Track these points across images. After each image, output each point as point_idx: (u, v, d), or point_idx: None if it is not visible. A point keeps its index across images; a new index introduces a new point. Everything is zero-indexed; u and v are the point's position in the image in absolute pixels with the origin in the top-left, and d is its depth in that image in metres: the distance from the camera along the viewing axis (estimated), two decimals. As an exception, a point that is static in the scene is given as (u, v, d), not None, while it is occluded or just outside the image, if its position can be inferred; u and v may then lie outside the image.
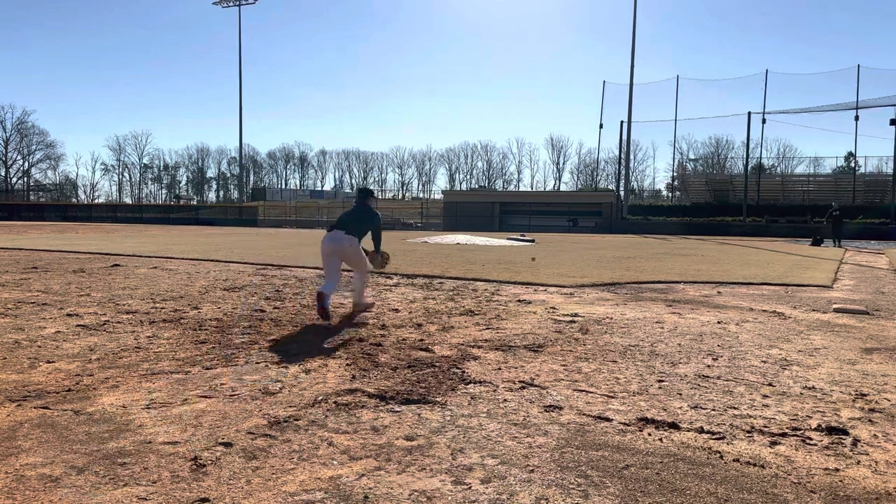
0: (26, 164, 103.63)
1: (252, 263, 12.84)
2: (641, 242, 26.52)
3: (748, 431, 3.33)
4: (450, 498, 2.51)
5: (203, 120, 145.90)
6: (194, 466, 2.75)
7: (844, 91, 62.75)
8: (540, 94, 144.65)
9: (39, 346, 5.04)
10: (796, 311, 7.53)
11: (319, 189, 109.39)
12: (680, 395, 3.99)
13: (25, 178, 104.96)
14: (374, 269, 7.47)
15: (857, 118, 45.23)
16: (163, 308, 7.02)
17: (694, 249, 21.04)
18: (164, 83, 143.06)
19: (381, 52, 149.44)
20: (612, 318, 6.77)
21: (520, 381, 4.22)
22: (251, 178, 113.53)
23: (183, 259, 13.76)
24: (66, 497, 2.46)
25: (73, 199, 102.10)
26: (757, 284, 10.38)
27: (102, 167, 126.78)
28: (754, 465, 2.89)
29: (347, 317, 6.63)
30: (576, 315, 6.95)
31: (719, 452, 3.03)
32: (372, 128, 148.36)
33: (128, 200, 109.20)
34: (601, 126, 52.77)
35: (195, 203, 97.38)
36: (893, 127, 40.80)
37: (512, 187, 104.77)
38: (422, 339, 5.50)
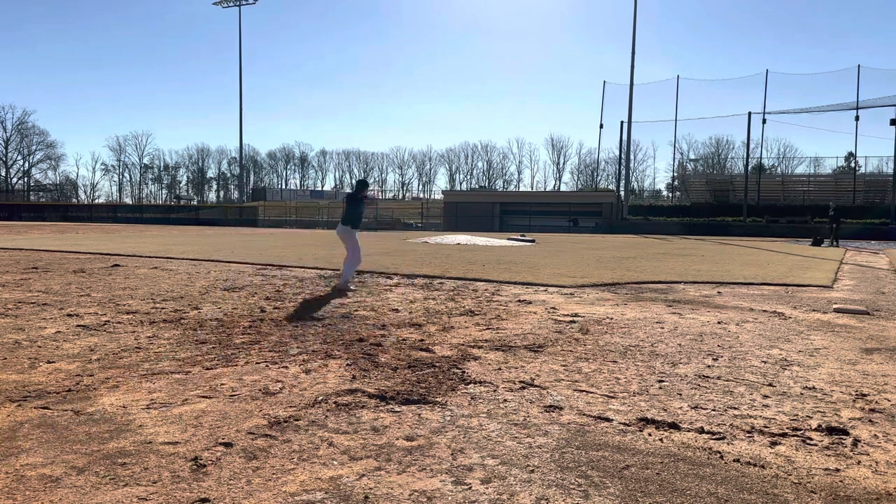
0: (26, 164, 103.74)
1: (252, 263, 12.85)
2: (641, 242, 26.51)
3: (748, 432, 3.33)
4: (450, 498, 2.51)
5: (203, 120, 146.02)
6: (194, 466, 2.75)
7: (844, 91, 62.77)
8: (540, 94, 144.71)
9: (40, 347, 5.04)
10: (796, 312, 7.53)
11: (320, 189, 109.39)
12: (680, 395, 3.99)
13: (26, 179, 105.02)
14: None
15: (857, 118, 45.28)
16: (163, 308, 7.02)
17: (694, 249, 21.03)
18: (164, 83, 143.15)
19: (381, 51, 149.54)
20: (612, 319, 6.77)
21: (520, 382, 4.22)
22: (251, 178, 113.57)
23: (183, 259, 13.76)
24: (67, 497, 2.46)
25: (74, 200, 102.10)
26: (757, 285, 10.38)
27: (103, 167, 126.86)
28: (754, 465, 2.89)
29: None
30: (576, 315, 6.95)
31: (719, 453, 3.03)
32: (372, 128, 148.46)
33: (128, 201, 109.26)
34: (601, 126, 52.83)
35: (195, 203, 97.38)
36: (893, 127, 40.84)
37: (512, 187, 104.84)
38: (422, 340, 5.50)
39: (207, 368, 4.43)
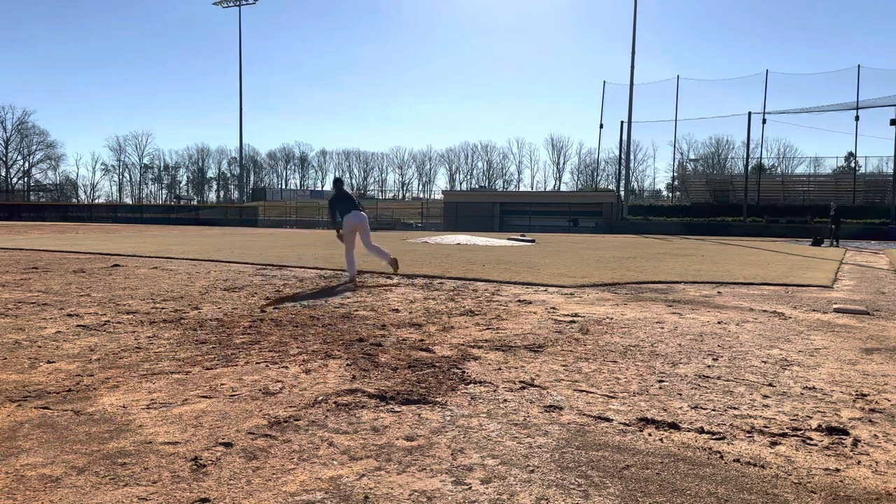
0: (26, 164, 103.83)
1: (252, 263, 12.84)
2: (641, 242, 26.51)
3: (748, 431, 3.33)
4: (450, 498, 2.51)
5: (203, 120, 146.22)
6: (194, 466, 2.75)
7: (844, 91, 62.89)
8: (540, 94, 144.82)
9: (40, 347, 5.04)
10: (796, 312, 7.53)
11: (319, 189, 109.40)
12: (680, 395, 3.99)
13: (26, 179, 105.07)
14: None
15: (857, 118, 45.38)
16: (163, 308, 7.02)
17: (694, 249, 21.03)
18: (164, 83, 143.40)
19: (381, 51, 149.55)
20: (612, 319, 6.77)
21: (520, 382, 4.22)
22: (251, 178, 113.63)
23: (183, 259, 13.76)
24: (67, 497, 2.46)
25: (74, 200, 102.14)
26: (757, 284, 10.38)
27: (103, 167, 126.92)
28: (754, 465, 2.89)
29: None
30: (576, 315, 6.95)
31: (719, 453, 3.02)
32: (372, 128, 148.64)
33: (128, 201, 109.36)
34: (601, 126, 52.96)
35: (195, 203, 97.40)
36: (893, 127, 40.87)
37: (512, 187, 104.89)
38: (422, 339, 5.50)
39: (207, 368, 4.43)
